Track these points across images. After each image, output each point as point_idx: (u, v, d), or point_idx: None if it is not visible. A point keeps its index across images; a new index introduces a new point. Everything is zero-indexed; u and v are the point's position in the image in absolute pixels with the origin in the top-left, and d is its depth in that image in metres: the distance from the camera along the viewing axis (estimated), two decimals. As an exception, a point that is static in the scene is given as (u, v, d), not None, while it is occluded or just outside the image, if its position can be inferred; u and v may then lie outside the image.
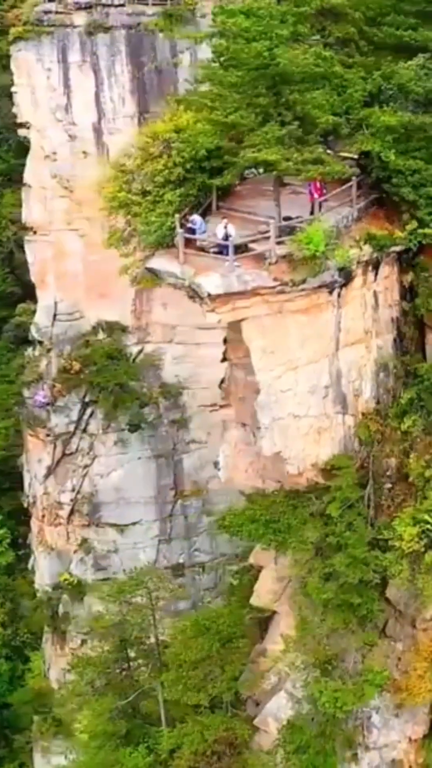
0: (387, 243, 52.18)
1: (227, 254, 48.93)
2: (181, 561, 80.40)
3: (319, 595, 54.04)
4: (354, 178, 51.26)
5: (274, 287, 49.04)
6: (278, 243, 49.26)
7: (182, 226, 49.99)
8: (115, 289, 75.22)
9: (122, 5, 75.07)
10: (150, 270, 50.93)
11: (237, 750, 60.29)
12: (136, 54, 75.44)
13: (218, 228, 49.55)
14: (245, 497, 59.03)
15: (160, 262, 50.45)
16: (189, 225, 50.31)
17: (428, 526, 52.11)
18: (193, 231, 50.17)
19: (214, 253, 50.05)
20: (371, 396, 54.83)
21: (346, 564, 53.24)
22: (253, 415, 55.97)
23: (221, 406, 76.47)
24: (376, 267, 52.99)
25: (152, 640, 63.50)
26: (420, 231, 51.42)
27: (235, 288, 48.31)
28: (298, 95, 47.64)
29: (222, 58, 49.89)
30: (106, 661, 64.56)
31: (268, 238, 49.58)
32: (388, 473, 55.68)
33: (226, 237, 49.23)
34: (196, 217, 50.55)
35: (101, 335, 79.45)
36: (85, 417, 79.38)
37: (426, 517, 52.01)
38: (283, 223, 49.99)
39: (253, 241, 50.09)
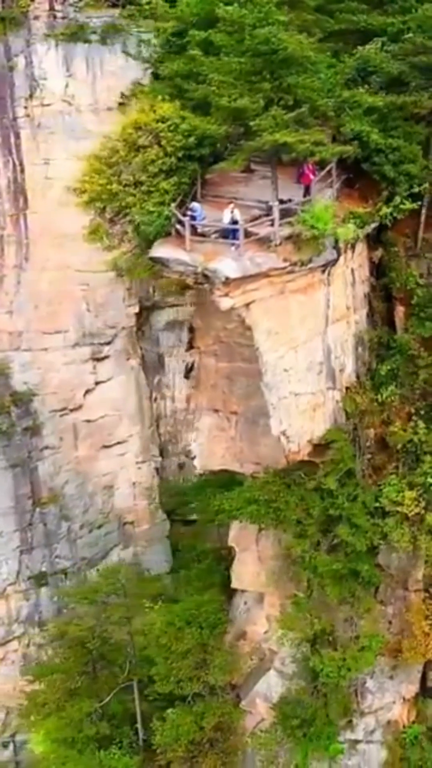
0: (368, 220, 54.04)
1: (233, 239, 49.60)
2: (43, 569, 78.99)
3: (327, 566, 55.36)
4: (334, 159, 52.71)
5: (284, 268, 50.11)
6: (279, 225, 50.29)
7: (184, 214, 50.19)
8: None
9: None
10: (154, 260, 50.76)
11: (225, 736, 60.90)
12: (-31, 58, 73.93)
13: (225, 213, 50.16)
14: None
15: (165, 251, 50.53)
16: (189, 213, 50.57)
17: (431, 488, 54.31)
18: (193, 218, 50.44)
19: (217, 238, 50.49)
20: (353, 370, 56.67)
21: (351, 534, 54.85)
22: (225, 401, 56.98)
23: (71, 410, 76.55)
24: (353, 245, 54.75)
25: (125, 638, 62.74)
26: (401, 206, 53.44)
27: (250, 271, 49.12)
28: (300, 79, 48.74)
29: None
30: (75, 665, 63.26)
31: (265, 221, 50.55)
32: (368, 444, 57.59)
33: (234, 222, 49.79)
34: (195, 205, 51.06)
35: None
36: None
37: (430, 480, 54.15)
38: (282, 206, 50.87)
39: (252, 225, 50.87)
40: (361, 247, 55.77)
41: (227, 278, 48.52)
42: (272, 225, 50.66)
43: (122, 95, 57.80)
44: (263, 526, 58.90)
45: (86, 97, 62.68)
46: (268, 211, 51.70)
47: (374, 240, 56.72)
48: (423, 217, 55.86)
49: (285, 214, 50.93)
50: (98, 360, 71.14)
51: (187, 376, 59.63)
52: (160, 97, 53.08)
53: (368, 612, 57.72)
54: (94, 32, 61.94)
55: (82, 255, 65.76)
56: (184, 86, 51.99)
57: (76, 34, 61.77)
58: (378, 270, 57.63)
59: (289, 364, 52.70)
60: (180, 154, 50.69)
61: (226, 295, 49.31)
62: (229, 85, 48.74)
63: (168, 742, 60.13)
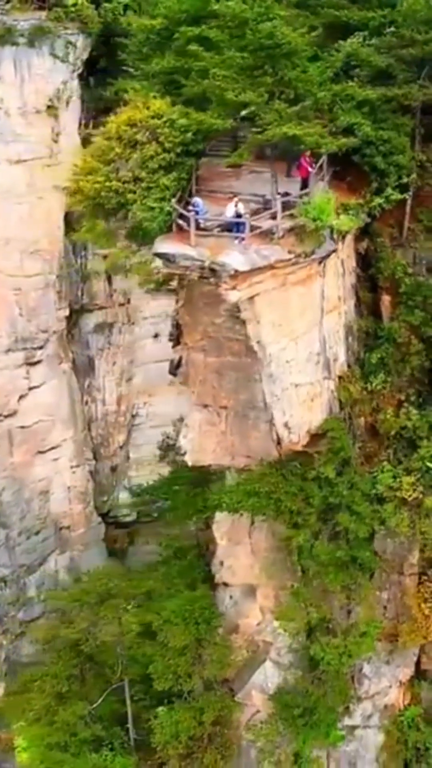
0: (358, 211, 54.84)
1: (237, 232, 50.01)
2: (-19, 578, 78.91)
3: (330, 554, 56.04)
4: (325, 152, 53.35)
5: (289, 260, 50.67)
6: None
7: (186, 209, 50.42)
8: None
9: None
10: (159, 255, 50.70)
11: (222, 730, 61.22)
12: None
13: (228, 207, 50.57)
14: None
15: (170, 247, 50.41)
16: (191, 207, 50.81)
17: (429, 473, 55.43)
18: (195, 213, 50.66)
19: (220, 232, 50.81)
20: (344, 359, 57.49)
21: (352, 521, 55.67)
22: (215, 396, 57.25)
23: (6, 416, 76.31)
24: (344, 236, 55.49)
25: (114, 639, 62.49)
26: (391, 197, 54.48)
27: (258, 263, 49.53)
28: (300, 73, 49.38)
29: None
30: (63, 669, 62.80)
31: (268, 213, 51.05)
32: (358, 432, 58.47)
33: (237, 215, 50.21)
34: (197, 200, 51.30)
35: None
36: None
37: (428, 464, 55.23)
38: (283, 198, 51.41)
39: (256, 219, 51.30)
40: (349, 239, 56.51)
41: (236, 271, 48.78)
42: (273, 218, 51.00)
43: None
44: (256, 519, 59.13)
45: (15, 100, 62.82)
46: (265, 205, 52.25)
47: (360, 231, 57.39)
48: (408, 208, 56.82)
49: (284, 206, 51.31)
50: (31, 365, 70.85)
51: (173, 372, 59.44)
52: (151, 94, 52.62)
53: (365, 598, 58.45)
54: (22, 35, 61.84)
55: (13, 260, 65.74)
56: (181, 81, 51.89)
57: (4, 37, 61.52)
58: (364, 260, 58.29)
59: (290, 355, 53.35)
60: (179, 150, 50.54)
61: (234, 288, 49.56)
62: (231, 80, 48.92)
63: (168, 740, 60.06)
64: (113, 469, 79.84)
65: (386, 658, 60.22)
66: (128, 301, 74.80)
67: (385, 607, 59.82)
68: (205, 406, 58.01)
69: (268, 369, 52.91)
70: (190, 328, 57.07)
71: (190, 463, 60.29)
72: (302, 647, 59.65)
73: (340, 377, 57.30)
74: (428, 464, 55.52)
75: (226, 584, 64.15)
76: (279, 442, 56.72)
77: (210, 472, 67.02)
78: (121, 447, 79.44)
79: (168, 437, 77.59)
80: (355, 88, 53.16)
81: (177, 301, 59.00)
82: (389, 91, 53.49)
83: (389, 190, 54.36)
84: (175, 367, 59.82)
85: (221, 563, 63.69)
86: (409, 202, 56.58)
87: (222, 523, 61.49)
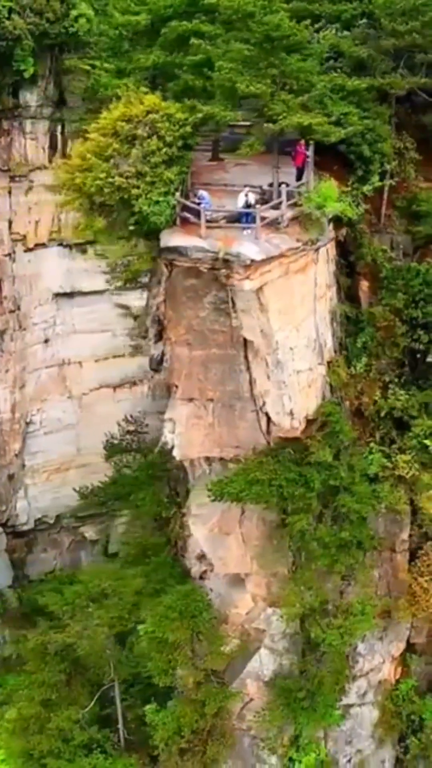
0: (344, 200, 56.02)
1: (246, 223, 50.70)
2: None
3: (334, 536, 56.99)
4: (311, 142, 54.34)
5: (297, 248, 51.54)
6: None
7: (193, 202, 50.82)
8: None
9: None
10: (170, 249, 50.89)
11: (222, 721, 61.45)
12: None
13: (239, 197, 51.14)
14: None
15: (180, 240, 50.82)
16: (196, 200, 51.25)
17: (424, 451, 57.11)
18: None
19: (226, 224, 51.37)
20: (331, 345, 58.51)
21: (354, 501, 56.84)
22: (201, 389, 57.77)
23: None
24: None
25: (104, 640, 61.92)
26: (377, 184, 55.97)
27: (272, 253, 50.41)
28: (302, 64, 50.39)
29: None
30: (50, 675, 61.93)
31: (273, 203, 51.94)
32: (345, 415, 59.70)
33: (247, 206, 50.84)
34: (203, 193, 51.77)
35: None
36: None
37: (426, 442, 56.84)
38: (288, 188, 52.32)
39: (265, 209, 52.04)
40: (331, 226, 57.55)
41: (252, 261, 49.36)
42: (276, 208, 51.80)
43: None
44: (246, 508, 59.44)
45: None
46: (263, 195, 53.02)
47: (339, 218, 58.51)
48: (386, 194, 58.25)
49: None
50: None
51: (156, 368, 59.58)
52: (142, 89, 52.68)
53: (361, 577, 59.62)
54: None
55: None
56: (170, 75, 52.29)
57: None
58: (342, 247, 59.41)
59: (293, 342, 54.24)
60: (179, 144, 50.77)
61: (247, 278, 50.20)
62: (237, 72, 49.55)
63: (170, 735, 59.98)
64: (10, 477, 79.04)
65: (379, 634, 61.47)
66: (18, 308, 74.26)
67: (377, 585, 61.00)
68: (191, 399, 58.29)
69: (275, 357, 53.60)
70: (173, 322, 57.34)
71: (178, 458, 60.51)
72: (297, 632, 60.21)
73: (328, 362, 58.16)
74: (423, 442, 56.97)
75: (202, 577, 64.20)
76: (268, 430, 57.61)
77: (168, 468, 67.27)
78: (16, 455, 78.64)
79: (113, 437, 77.11)
80: (345, 78, 54.25)
81: (154, 297, 59.12)
82: (375, 81, 54.78)
83: (375, 178, 55.59)
84: (157, 363, 59.89)
85: (201, 556, 63.60)
86: (386, 188, 57.88)
87: (206, 515, 61.26)
